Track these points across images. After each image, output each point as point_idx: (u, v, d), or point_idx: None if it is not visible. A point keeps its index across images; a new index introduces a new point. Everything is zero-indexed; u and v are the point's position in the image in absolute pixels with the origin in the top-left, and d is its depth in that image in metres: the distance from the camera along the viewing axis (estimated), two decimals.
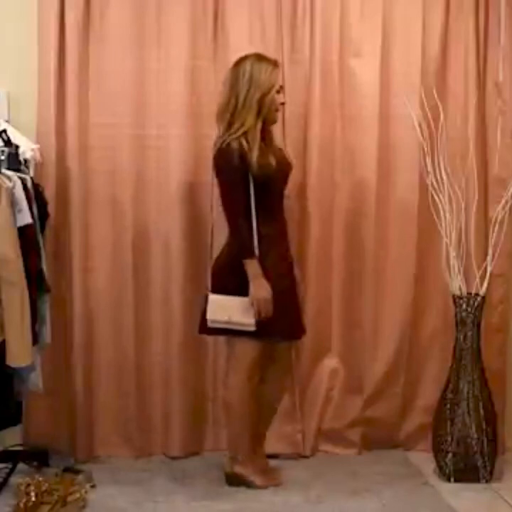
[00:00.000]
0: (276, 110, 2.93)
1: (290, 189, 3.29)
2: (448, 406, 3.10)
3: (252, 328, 2.80)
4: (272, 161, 2.86)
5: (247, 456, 3.00)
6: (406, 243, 3.37)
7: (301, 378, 3.40)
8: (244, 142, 2.81)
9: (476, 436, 3.06)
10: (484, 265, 3.14)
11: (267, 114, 2.87)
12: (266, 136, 2.92)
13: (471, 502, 2.91)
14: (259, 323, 2.80)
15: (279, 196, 2.98)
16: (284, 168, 2.97)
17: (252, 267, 2.79)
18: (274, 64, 2.91)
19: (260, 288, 2.79)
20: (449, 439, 3.09)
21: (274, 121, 2.95)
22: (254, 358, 2.89)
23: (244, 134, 2.82)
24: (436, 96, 3.21)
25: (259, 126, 2.85)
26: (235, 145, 2.80)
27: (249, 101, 2.82)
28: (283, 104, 2.97)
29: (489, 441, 3.07)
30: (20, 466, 3.07)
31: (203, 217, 3.20)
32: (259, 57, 2.89)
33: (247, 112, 2.83)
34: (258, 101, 2.83)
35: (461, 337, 3.11)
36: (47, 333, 2.94)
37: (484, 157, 3.35)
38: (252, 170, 2.80)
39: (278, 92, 2.90)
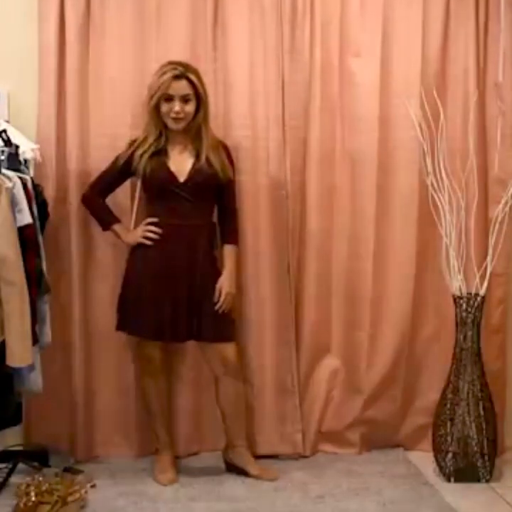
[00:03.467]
0: (173, 119, 2.92)
1: (290, 188, 3.32)
2: (448, 406, 3.10)
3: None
4: (158, 168, 2.94)
5: (160, 451, 3.15)
6: (406, 243, 3.36)
7: (301, 378, 3.40)
8: (134, 145, 2.98)
9: (476, 436, 3.06)
10: (484, 265, 3.14)
11: (165, 121, 2.94)
12: (172, 140, 2.97)
13: (471, 502, 2.92)
14: (121, 317, 3.03)
15: (171, 202, 2.97)
16: (169, 176, 2.94)
17: (118, 230, 3.07)
18: (172, 70, 2.88)
19: (135, 235, 3.02)
20: (449, 439, 3.09)
21: (173, 129, 2.95)
22: (142, 354, 3.09)
23: (144, 139, 2.96)
24: (436, 96, 3.21)
25: (154, 132, 2.94)
26: (126, 146, 3.02)
27: (148, 105, 2.93)
28: (177, 113, 2.90)
29: (489, 441, 3.07)
30: (20, 466, 3.07)
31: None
32: (167, 63, 2.93)
33: (148, 117, 2.95)
34: (153, 106, 2.92)
35: (461, 337, 3.11)
36: (47, 333, 2.94)
37: (484, 157, 3.34)
38: (137, 174, 2.98)
39: (168, 100, 2.90)
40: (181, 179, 2.95)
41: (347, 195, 3.38)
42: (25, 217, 2.72)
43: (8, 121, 3.05)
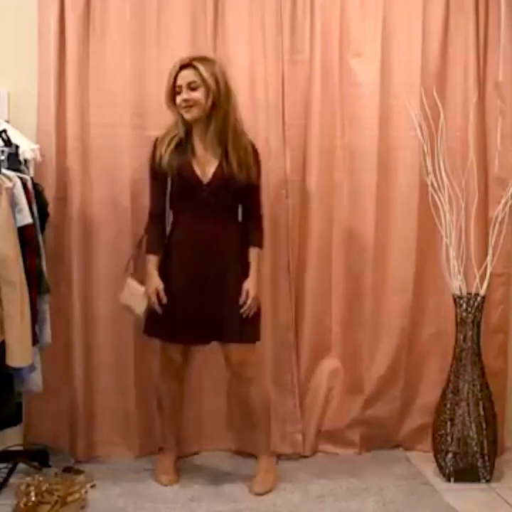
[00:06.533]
0: (183, 108, 2.88)
1: (290, 187, 3.32)
2: (448, 406, 3.10)
3: (138, 317, 3.00)
4: (175, 165, 2.88)
5: (164, 451, 3.15)
6: (406, 243, 3.36)
7: (301, 378, 3.40)
8: (157, 143, 2.94)
9: (476, 436, 3.06)
10: (484, 265, 3.14)
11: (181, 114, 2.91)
12: (196, 137, 2.93)
13: (471, 502, 2.92)
14: (147, 321, 2.98)
15: (195, 203, 2.92)
16: (193, 177, 2.89)
17: (148, 262, 2.96)
18: (180, 63, 2.87)
19: (150, 283, 2.93)
20: (449, 439, 3.09)
21: (188, 119, 2.90)
22: (164, 355, 3.06)
23: (166, 133, 2.93)
24: (436, 96, 3.21)
25: (173, 129, 2.92)
26: (152, 147, 2.96)
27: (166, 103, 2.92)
28: (186, 101, 2.86)
29: (489, 441, 3.07)
30: (20, 466, 3.07)
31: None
32: (180, 59, 2.91)
33: (172, 115, 2.92)
34: (167, 98, 2.90)
35: (461, 337, 3.11)
36: (47, 333, 2.94)
37: (484, 157, 3.34)
38: (165, 170, 2.90)
39: (178, 92, 2.88)
40: (205, 181, 2.89)
41: (347, 195, 3.38)
42: (25, 217, 2.72)
43: (8, 121, 3.06)
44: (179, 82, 2.87)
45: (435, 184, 3.14)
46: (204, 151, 2.93)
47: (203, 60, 2.90)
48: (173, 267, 2.95)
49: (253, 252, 3.02)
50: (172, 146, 2.91)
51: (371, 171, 3.33)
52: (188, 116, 2.89)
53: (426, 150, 3.13)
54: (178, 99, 2.88)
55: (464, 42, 3.32)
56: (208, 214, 2.92)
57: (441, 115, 3.15)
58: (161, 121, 3.18)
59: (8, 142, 2.82)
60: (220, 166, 2.90)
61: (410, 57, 3.31)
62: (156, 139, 2.97)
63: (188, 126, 2.92)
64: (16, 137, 2.89)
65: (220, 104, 2.87)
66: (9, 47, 3.19)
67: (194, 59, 2.89)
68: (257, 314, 3.00)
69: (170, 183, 2.94)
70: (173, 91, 2.89)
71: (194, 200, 2.92)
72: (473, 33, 3.31)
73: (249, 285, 2.95)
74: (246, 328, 2.95)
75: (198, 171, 2.90)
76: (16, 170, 2.82)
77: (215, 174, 2.90)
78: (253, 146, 3.00)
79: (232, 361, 3.00)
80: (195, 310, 2.90)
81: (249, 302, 2.92)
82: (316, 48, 3.29)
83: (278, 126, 3.29)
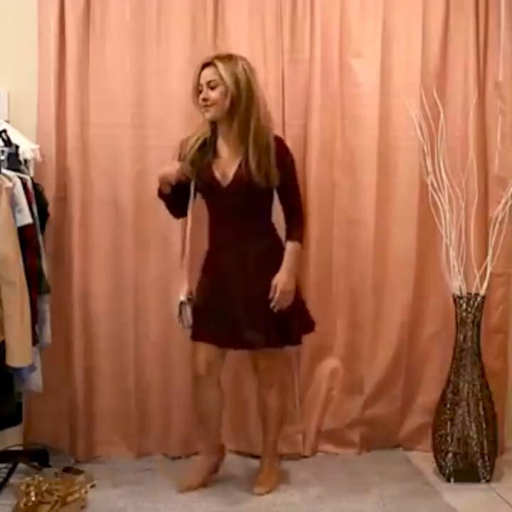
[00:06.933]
0: (203, 107, 2.84)
1: None
2: (448, 406, 3.10)
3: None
4: (196, 166, 2.85)
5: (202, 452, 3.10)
6: (406, 243, 3.37)
7: (302, 378, 3.40)
8: (183, 143, 2.93)
9: (476, 436, 3.06)
10: (484, 265, 3.14)
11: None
12: (221, 137, 2.89)
13: (471, 502, 2.91)
14: (193, 326, 2.90)
15: (218, 205, 2.89)
16: (212, 180, 2.85)
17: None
18: (203, 63, 2.83)
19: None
20: (449, 439, 3.09)
21: (207, 119, 2.86)
22: (196, 358, 2.93)
23: (194, 132, 2.91)
24: (436, 96, 3.21)
25: (200, 129, 2.89)
26: (179, 145, 2.95)
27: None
28: (205, 100, 2.81)
29: (489, 441, 3.07)
30: (20, 466, 3.07)
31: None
32: (205, 57, 2.88)
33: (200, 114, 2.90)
34: (192, 97, 2.87)
35: (461, 337, 3.11)
36: (47, 333, 2.95)
37: (484, 157, 3.34)
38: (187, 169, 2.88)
39: (201, 91, 2.84)
40: (224, 183, 2.84)
41: (347, 195, 3.37)
42: (25, 217, 2.73)
43: (8, 121, 3.06)
44: (201, 80, 2.83)
45: (435, 184, 3.14)
46: (228, 152, 2.88)
47: (225, 58, 2.83)
48: (206, 273, 2.93)
49: (288, 246, 2.90)
50: (196, 146, 2.87)
51: (371, 170, 3.33)
52: (207, 115, 2.85)
53: (426, 150, 3.13)
54: (199, 98, 2.85)
55: (463, 42, 3.33)
56: (231, 216, 2.87)
57: (441, 115, 3.15)
58: (161, 121, 3.20)
59: (8, 142, 2.82)
60: (240, 167, 2.83)
61: (410, 57, 3.32)
62: (183, 139, 2.94)
63: (214, 126, 2.89)
64: (16, 137, 2.90)
65: (239, 103, 2.79)
66: (9, 47, 3.20)
67: (217, 57, 2.83)
68: (291, 315, 2.88)
69: (194, 184, 2.91)
70: (197, 90, 2.85)
71: (216, 201, 2.89)
72: (473, 34, 3.31)
73: (276, 279, 2.83)
74: (276, 332, 2.86)
75: (217, 173, 2.85)
76: (16, 170, 2.82)
77: (234, 176, 2.83)
78: (281, 145, 2.91)
79: (260, 366, 2.98)
80: (227, 312, 2.84)
81: (276, 297, 2.82)
82: (316, 48, 3.29)
83: (278, 127, 3.28)
